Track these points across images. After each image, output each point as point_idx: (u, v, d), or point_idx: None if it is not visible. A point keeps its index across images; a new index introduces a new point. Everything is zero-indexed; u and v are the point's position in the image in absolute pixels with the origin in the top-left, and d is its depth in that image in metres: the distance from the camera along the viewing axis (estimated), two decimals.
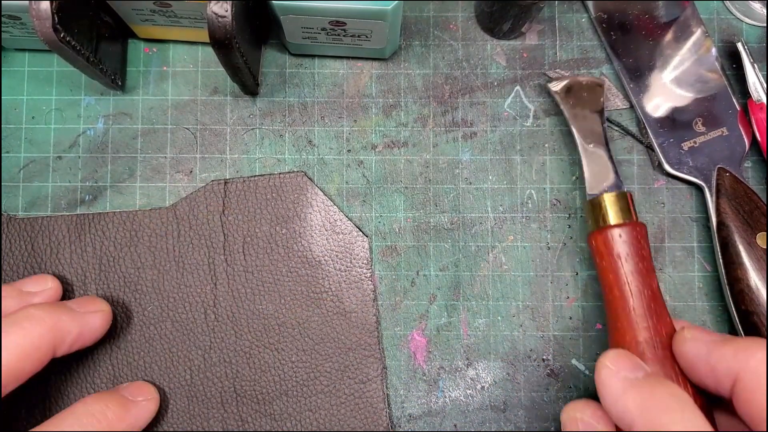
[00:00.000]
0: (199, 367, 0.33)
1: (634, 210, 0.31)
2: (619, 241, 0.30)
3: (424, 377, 0.34)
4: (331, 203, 0.34)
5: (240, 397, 0.33)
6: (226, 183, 0.35)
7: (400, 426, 0.34)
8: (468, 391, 0.34)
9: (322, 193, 0.34)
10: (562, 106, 0.34)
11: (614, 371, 0.26)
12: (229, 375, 0.33)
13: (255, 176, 0.35)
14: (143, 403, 0.31)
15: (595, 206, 0.32)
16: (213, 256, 0.34)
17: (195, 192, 0.35)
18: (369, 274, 0.34)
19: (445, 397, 0.34)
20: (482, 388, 0.34)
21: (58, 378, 0.33)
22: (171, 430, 0.33)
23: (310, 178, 0.35)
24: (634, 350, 0.29)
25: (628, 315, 0.29)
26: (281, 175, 0.35)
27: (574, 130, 0.33)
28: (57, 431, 0.27)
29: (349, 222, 0.34)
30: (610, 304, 0.30)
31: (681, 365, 0.27)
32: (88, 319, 0.31)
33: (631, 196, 0.32)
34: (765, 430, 0.24)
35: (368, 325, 0.34)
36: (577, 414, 0.28)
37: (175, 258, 0.34)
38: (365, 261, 0.34)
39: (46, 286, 0.32)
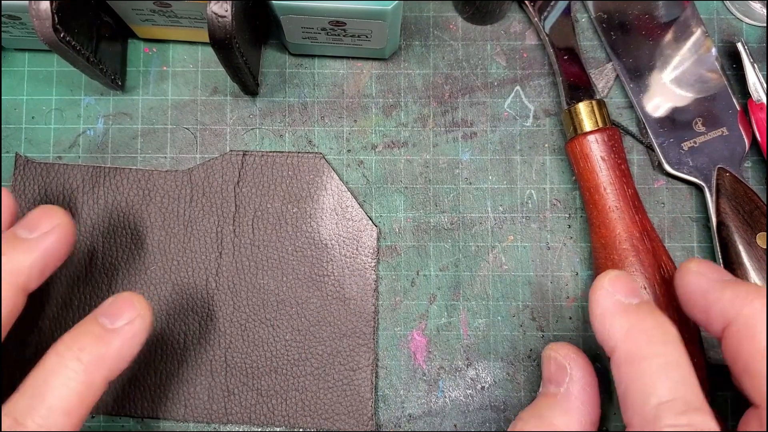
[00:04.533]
0: (194, 333, 0.34)
1: (608, 116, 0.33)
2: (596, 145, 0.32)
3: (424, 377, 0.34)
4: (345, 189, 0.34)
5: (230, 368, 0.33)
6: (244, 154, 0.35)
7: (400, 426, 0.34)
8: (468, 391, 0.34)
9: (337, 178, 0.35)
10: (534, 20, 0.35)
11: (609, 292, 0.26)
12: (222, 345, 0.34)
13: (273, 152, 0.35)
14: (126, 327, 0.26)
15: (572, 115, 0.33)
16: (222, 226, 0.34)
17: (212, 159, 0.35)
18: (373, 264, 0.34)
19: (445, 397, 0.34)
20: (482, 388, 0.34)
21: (47, 323, 0.34)
22: (159, 391, 0.33)
23: (327, 161, 0.35)
24: (620, 249, 0.31)
25: (611, 213, 0.31)
26: (299, 155, 0.35)
27: (548, 44, 0.34)
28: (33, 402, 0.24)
29: (360, 210, 0.34)
30: (593, 210, 0.32)
31: (678, 296, 0.28)
32: (45, 244, 0.27)
33: (604, 103, 0.33)
34: (748, 380, 0.24)
35: (365, 314, 0.34)
36: (552, 352, 0.28)
37: (185, 222, 0.34)
38: (371, 251, 0.34)
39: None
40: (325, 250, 0.34)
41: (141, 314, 0.27)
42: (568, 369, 0.27)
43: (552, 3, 0.35)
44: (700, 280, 0.26)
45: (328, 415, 0.33)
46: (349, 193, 0.35)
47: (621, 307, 0.26)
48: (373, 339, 0.34)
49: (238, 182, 0.35)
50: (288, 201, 0.35)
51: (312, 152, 0.35)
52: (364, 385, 0.33)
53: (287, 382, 0.33)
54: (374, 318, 0.34)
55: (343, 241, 0.34)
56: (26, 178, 0.34)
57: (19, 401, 0.25)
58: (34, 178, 0.34)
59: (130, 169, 0.35)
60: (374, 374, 0.34)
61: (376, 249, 0.34)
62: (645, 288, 0.30)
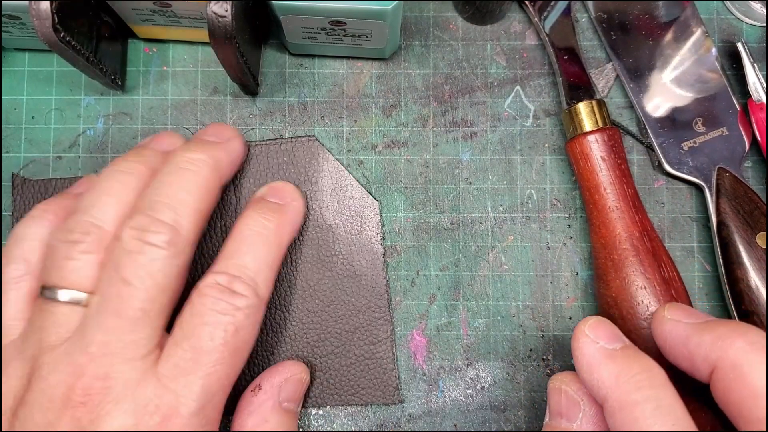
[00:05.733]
0: None
1: (608, 116, 0.33)
2: (596, 145, 0.32)
3: (424, 377, 0.34)
4: (342, 168, 0.35)
5: (251, 356, 0.33)
6: None
7: (400, 426, 0.34)
8: (468, 391, 0.34)
9: (333, 158, 0.35)
10: (534, 20, 0.35)
11: (592, 340, 0.26)
12: None
13: (267, 140, 0.35)
14: (294, 204, 0.32)
15: (572, 115, 0.33)
16: (225, 219, 0.34)
17: None
18: (379, 238, 0.34)
19: (445, 397, 0.34)
20: (482, 388, 0.34)
21: None
22: None
23: (321, 143, 0.35)
24: (620, 249, 0.31)
25: (611, 213, 0.31)
26: (293, 140, 0.35)
27: (548, 44, 0.34)
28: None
29: (359, 186, 0.35)
30: (593, 210, 0.32)
31: (659, 347, 0.27)
32: (233, 146, 0.31)
33: (604, 103, 0.33)
34: (744, 425, 0.23)
35: (378, 288, 0.34)
36: (563, 386, 0.28)
37: None
38: (375, 224, 0.34)
39: (175, 143, 0.31)
40: (330, 231, 0.34)
41: (298, 198, 0.32)
42: (582, 405, 0.27)
43: (552, 3, 0.35)
44: (677, 327, 0.26)
45: (355, 390, 0.33)
46: (346, 171, 0.35)
47: (606, 354, 0.26)
48: (389, 311, 0.34)
49: (236, 174, 0.35)
50: None
51: (305, 136, 0.35)
52: (386, 357, 0.34)
53: (309, 363, 0.34)
54: (386, 290, 0.34)
55: (347, 219, 0.34)
56: (25, 197, 0.34)
57: (223, 262, 0.29)
58: (33, 195, 0.34)
59: None
60: (394, 345, 0.34)
61: (380, 222, 0.34)
62: (645, 288, 0.30)
